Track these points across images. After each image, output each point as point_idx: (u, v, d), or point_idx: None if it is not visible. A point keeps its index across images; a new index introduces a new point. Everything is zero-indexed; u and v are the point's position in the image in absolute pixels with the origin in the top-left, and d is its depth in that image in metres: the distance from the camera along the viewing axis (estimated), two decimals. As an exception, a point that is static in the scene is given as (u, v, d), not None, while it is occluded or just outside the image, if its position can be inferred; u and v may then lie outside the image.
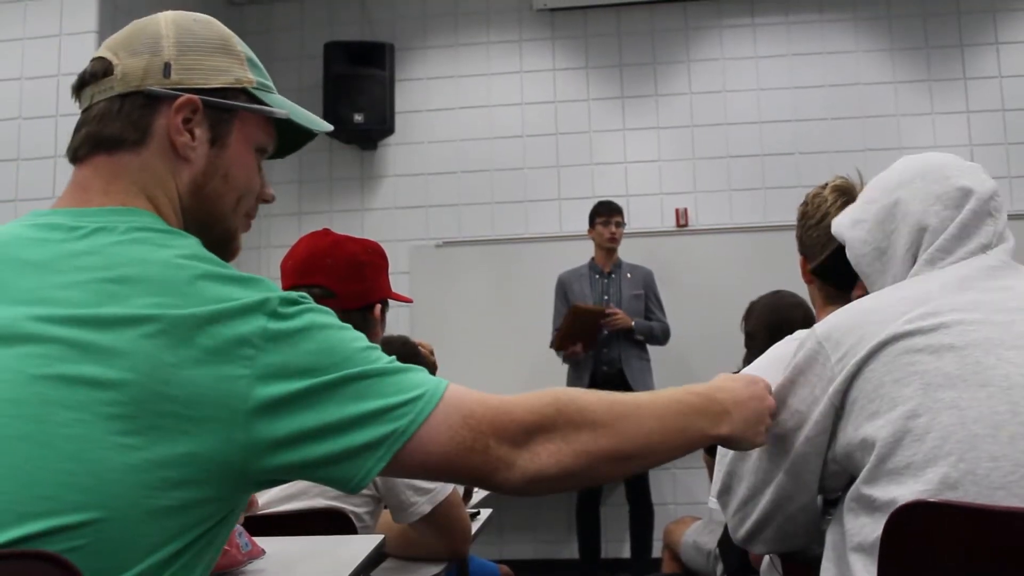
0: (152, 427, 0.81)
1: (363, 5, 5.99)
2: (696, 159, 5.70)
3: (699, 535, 2.85)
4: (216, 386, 0.83)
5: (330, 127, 1.14)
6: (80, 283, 0.86)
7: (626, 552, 5.03)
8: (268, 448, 0.85)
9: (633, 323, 4.68)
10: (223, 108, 1.03)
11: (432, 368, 2.44)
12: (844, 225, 1.40)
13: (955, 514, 1.00)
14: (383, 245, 1.94)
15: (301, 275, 1.79)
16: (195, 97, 1.00)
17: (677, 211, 5.65)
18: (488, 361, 5.40)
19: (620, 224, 4.88)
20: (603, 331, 4.64)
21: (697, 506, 5.03)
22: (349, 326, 0.93)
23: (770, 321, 2.60)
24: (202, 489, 0.83)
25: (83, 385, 0.80)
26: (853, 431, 1.16)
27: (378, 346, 0.94)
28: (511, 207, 5.77)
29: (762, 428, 1.15)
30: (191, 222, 1.03)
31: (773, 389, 1.23)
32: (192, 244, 0.95)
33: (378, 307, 1.82)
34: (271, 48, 5.91)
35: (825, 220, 1.69)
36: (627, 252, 5.36)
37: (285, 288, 1.78)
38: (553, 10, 5.85)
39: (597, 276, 4.87)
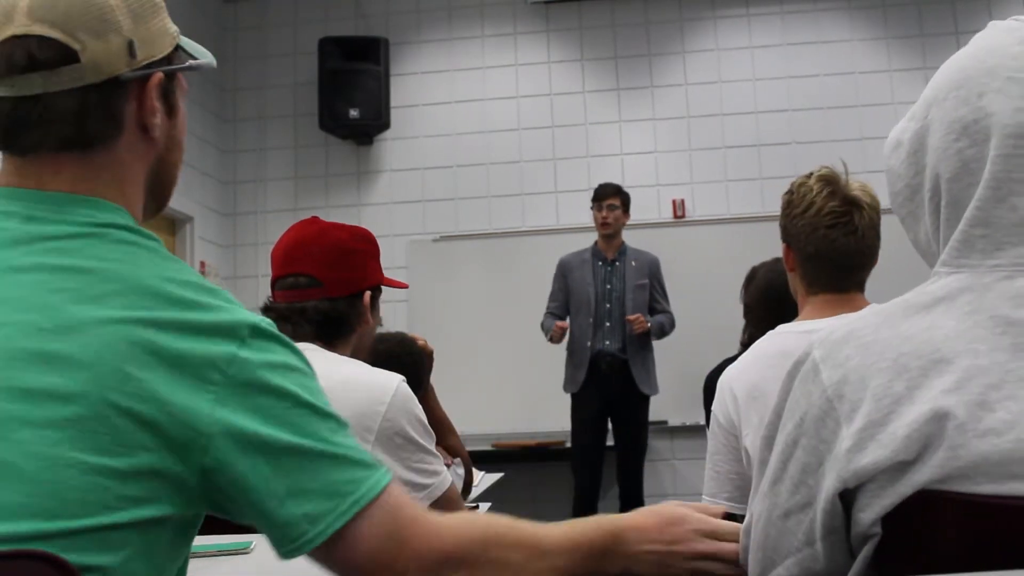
0: (114, 442, 0.77)
1: (357, 0, 5.97)
2: (692, 150, 5.70)
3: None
4: (182, 405, 0.80)
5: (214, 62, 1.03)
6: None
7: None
8: (222, 474, 0.82)
9: (649, 326, 4.59)
10: (172, 75, 0.95)
11: (429, 359, 2.43)
12: (889, 143, 0.99)
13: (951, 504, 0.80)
14: (380, 241, 1.91)
15: (287, 263, 1.77)
16: (160, 73, 0.92)
17: (674, 202, 5.64)
18: (486, 355, 5.41)
19: (614, 207, 4.68)
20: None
21: (696, 497, 5.01)
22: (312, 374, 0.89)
23: (768, 296, 2.54)
24: (160, 507, 0.80)
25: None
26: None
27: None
28: (508, 200, 5.76)
29: (681, 570, 1.04)
30: (148, 199, 0.97)
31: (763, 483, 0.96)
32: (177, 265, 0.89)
33: (367, 294, 1.78)
34: (265, 44, 5.88)
35: (810, 210, 1.70)
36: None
37: (274, 278, 1.77)
38: (548, 2, 5.84)
39: (600, 264, 4.76)
